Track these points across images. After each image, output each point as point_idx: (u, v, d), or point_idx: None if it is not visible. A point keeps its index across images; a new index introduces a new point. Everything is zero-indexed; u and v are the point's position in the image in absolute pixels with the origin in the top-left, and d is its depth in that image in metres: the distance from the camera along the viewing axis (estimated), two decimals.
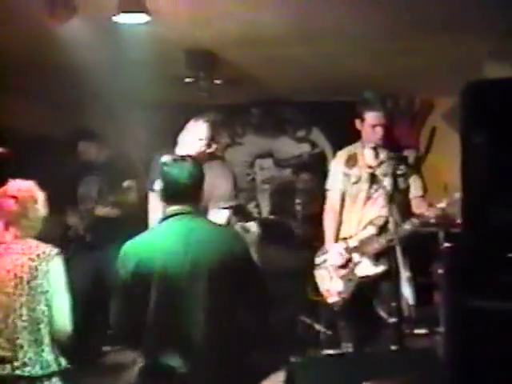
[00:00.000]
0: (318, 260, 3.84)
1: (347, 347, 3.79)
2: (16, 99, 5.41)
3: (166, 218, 2.47)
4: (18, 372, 2.42)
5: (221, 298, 2.36)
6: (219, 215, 3.36)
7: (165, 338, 2.36)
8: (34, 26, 3.60)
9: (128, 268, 2.37)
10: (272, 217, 5.90)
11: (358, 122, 3.69)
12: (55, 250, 2.59)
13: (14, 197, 2.57)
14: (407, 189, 3.65)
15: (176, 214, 2.44)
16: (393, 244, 3.29)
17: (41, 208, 2.65)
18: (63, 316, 2.56)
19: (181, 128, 3.67)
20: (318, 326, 5.23)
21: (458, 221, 3.29)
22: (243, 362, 2.41)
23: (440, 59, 4.59)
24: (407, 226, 3.42)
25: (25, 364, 2.44)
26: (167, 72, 4.72)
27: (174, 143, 3.67)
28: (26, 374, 2.43)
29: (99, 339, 4.95)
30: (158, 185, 2.55)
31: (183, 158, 2.58)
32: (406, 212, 3.55)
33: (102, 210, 4.75)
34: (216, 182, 3.36)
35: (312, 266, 4.00)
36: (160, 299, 2.34)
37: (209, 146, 3.55)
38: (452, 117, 5.42)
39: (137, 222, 4.53)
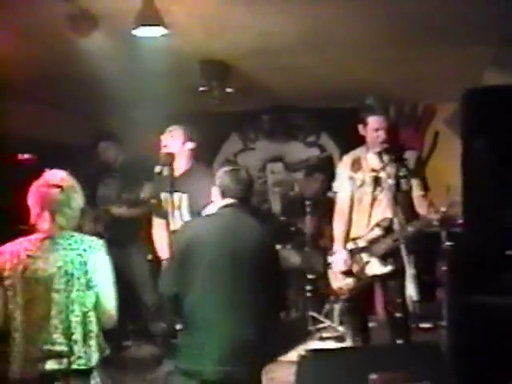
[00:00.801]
0: (330, 259, 3.78)
1: (356, 341, 3.77)
2: (42, 110, 5.48)
3: (222, 207, 2.79)
4: (74, 366, 2.37)
5: (261, 280, 2.65)
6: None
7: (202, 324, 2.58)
8: (57, 40, 3.66)
9: (182, 242, 2.67)
10: (283, 218, 5.82)
11: (361, 127, 3.65)
12: (100, 242, 2.51)
13: (59, 186, 2.47)
14: (410, 190, 3.60)
15: (224, 206, 2.79)
16: (398, 244, 3.28)
17: (80, 197, 2.56)
18: (111, 305, 2.48)
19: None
20: (328, 321, 5.25)
21: (460, 221, 3.35)
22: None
23: (442, 67, 4.62)
24: (410, 228, 3.39)
25: (80, 358, 2.38)
26: (183, 81, 4.77)
27: None
28: (82, 367, 2.38)
29: (120, 334, 4.98)
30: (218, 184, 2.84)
31: (239, 167, 2.99)
32: (409, 212, 3.51)
33: (118, 210, 4.77)
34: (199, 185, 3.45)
35: (324, 265, 4.01)
36: (208, 273, 2.60)
37: (183, 144, 3.68)
38: (453, 122, 5.41)
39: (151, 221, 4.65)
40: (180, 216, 3.57)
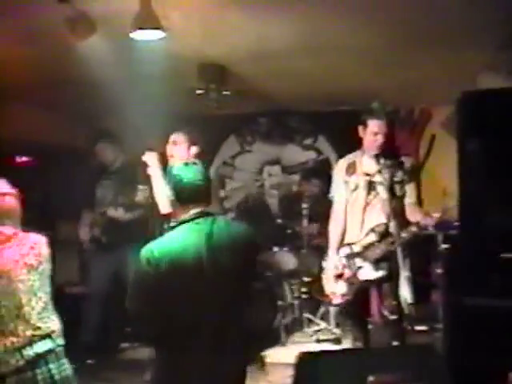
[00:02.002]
0: (324, 264, 3.79)
1: (352, 343, 3.79)
2: (40, 113, 5.47)
3: (185, 220, 2.46)
4: (59, 342, 2.57)
5: (236, 292, 2.43)
6: None
7: (183, 329, 2.36)
8: (55, 43, 3.64)
9: (161, 267, 2.33)
10: (280, 220, 5.83)
11: (361, 129, 3.65)
12: (44, 237, 2.69)
13: (10, 194, 2.65)
14: (403, 196, 3.60)
15: (197, 216, 2.45)
16: (393, 247, 3.29)
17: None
18: None
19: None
20: (323, 323, 5.25)
21: (455, 223, 3.35)
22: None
23: (438, 71, 4.61)
24: (405, 235, 3.38)
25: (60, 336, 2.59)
26: (180, 84, 4.75)
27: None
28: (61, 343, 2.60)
29: (117, 336, 4.97)
30: (169, 191, 2.53)
31: (193, 162, 2.59)
32: (401, 219, 3.49)
33: (115, 213, 4.76)
34: None
35: (319, 269, 4.02)
36: (183, 293, 2.36)
37: (188, 149, 3.66)
38: (451, 124, 5.37)
39: (150, 225, 4.60)
40: None
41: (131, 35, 3.27)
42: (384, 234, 3.48)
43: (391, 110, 4.26)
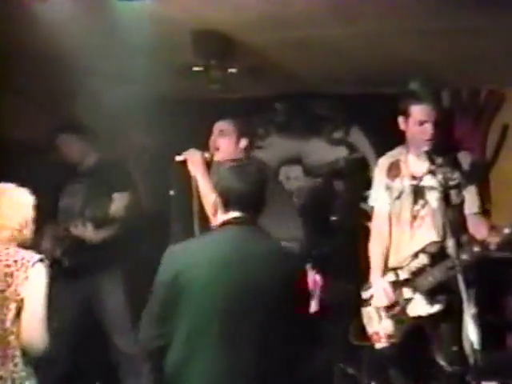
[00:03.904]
0: (364, 295, 3.87)
1: None
2: None
3: (221, 224, 2.68)
4: None
5: (275, 331, 2.51)
6: None
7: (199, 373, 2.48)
8: (6, 5, 3.65)
9: (166, 277, 2.55)
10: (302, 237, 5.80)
11: (401, 120, 3.70)
12: (37, 257, 2.88)
13: None
14: (461, 204, 3.65)
15: (233, 222, 2.65)
16: (453, 273, 3.28)
17: None
18: (33, 328, 2.79)
19: (189, 129, 3.84)
20: (360, 375, 5.15)
21: None
22: None
23: (510, 41, 4.54)
24: (465, 257, 3.39)
25: None
26: (172, 59, 4.79)
27: (181, 147, 3.85)
28: None
29: (91, 378, 4.93)
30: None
31: (247, 162, 2.88)
32: (461, 234, 3.55)
33: (82, 231, 4.78)
34: None
35: (357, 302, 4.04)
36: (198, 321, 2.48)
37: (237, 142, 3.88)
38: None
39: (129, 243, 4.64)
40: None
41: None
42: (438, 256, 3.51)
43: (440, 91, 4.23)
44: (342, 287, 5.23)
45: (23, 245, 3.00)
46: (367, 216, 4.12)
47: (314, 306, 4.11)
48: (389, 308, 3.68)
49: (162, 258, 2.64)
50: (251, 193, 2.66)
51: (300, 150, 6.58)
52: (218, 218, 2.70)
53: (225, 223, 2.66)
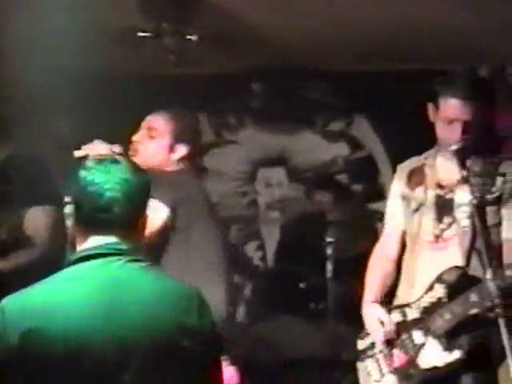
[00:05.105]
0: (361, 344, 3.81)
1: None
2: None
3: (79, 258, 2.47)
4: None
5: None
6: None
7: None
8: None
9: (9, 341, 2.35)
10: (284, 267, 6.00)
11: (430, 109, 3.62)
12: None
13: None
14: (499, 224, 3.59)
15: (98, 254, 2.46)
16: (493, 316, 3.20)
17: None
18: None
19: (131, 115, 3.92)
20: None
21: None
22: None
23: None
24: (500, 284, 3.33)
25: None
26: (110, 21, 4.78)
27: (119, 141, 3.74)
28: None
29: None
30: (69, 203, 2.58)
31: (116, 157, 2.65)
32: (495, 261, 3.44)
33: None
34: None
35: (352, 354, 4.01)
36: None
37: (171, 149, 3.84)
38: None
39: (42, 272, 4.46)
40: None
41: None
42: (457, 287, 3.48)
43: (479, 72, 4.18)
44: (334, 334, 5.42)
45: None
46: (373, 238, 4.09)
47: None
48: (387, 344, 3.64)
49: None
50: (126, 205, 2.53)
51: (284, 147, 6.52)
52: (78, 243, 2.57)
53: (84, 256, 2.51)
